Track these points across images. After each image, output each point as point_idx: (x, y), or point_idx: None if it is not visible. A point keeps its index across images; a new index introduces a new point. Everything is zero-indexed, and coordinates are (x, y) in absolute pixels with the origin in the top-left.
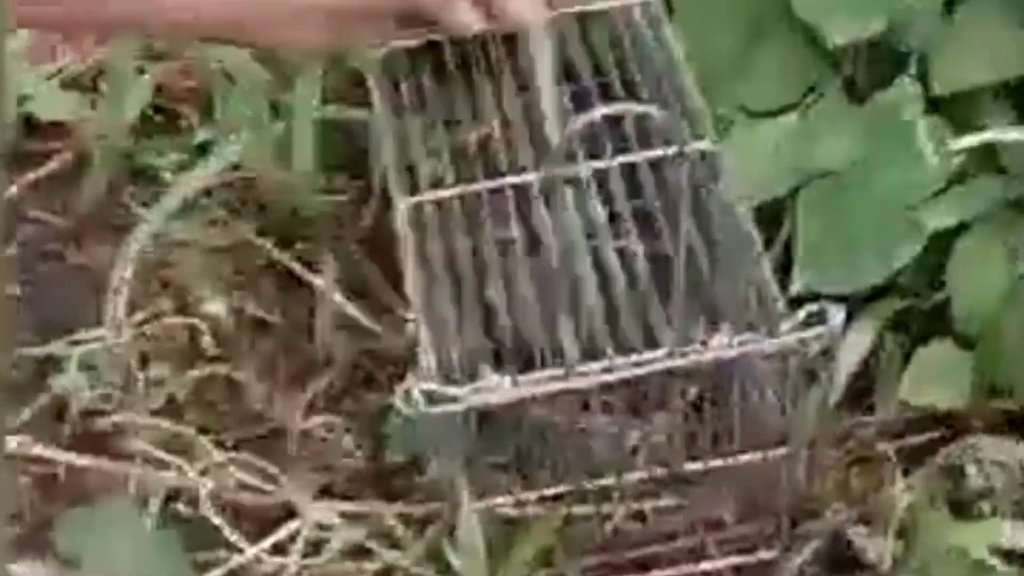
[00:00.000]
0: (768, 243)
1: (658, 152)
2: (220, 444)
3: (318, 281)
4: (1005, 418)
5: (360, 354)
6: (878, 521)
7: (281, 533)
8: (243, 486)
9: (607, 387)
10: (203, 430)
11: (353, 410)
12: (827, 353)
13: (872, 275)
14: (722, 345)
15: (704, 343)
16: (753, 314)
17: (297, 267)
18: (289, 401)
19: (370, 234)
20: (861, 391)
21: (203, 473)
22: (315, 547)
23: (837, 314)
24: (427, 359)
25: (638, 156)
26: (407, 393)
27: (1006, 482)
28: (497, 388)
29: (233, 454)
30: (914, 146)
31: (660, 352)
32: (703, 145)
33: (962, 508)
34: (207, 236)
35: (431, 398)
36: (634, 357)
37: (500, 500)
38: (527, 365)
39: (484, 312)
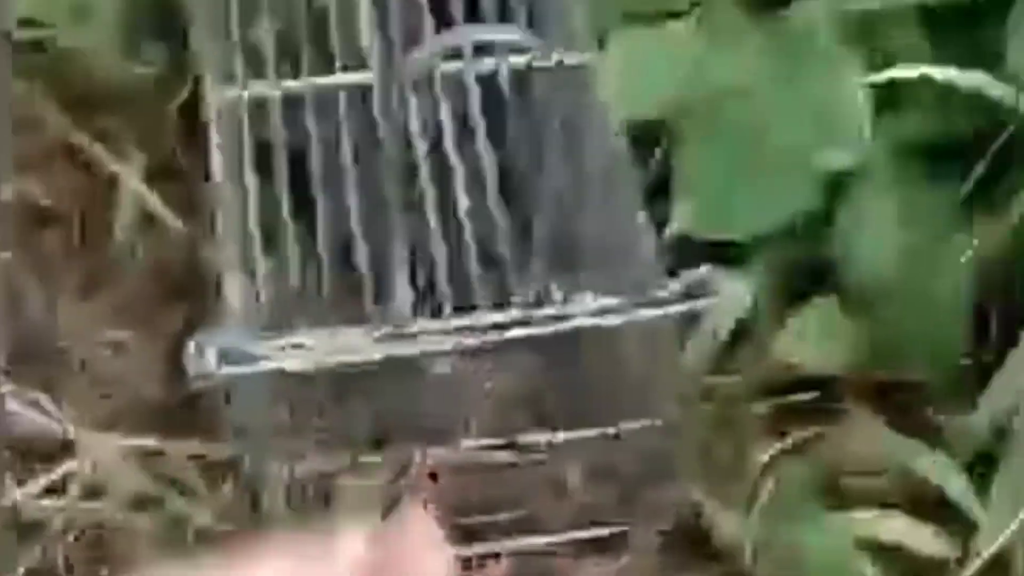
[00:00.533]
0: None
1: (522, 59)
2: None
3: (120, 168)
4: (875, 388)
5: (164, 260)
6: (737, 495)
7: (54, 474)
8: (12, 414)
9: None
10: None
11: (150, 326)
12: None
13: (761, 221)
14: (586, 312)
15: (564, 308)
16: (624, 270)
17: (97, 149)
18: (74, 311)
19: (185, 115)
20: (729, 346)
21: None
22: (94, 491)
23: (725, 284)
24: (229, 302)
25: (499, 61)
26: (198, 347)
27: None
28: (312, 350)
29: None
30: (824, 76)
31: (512, 314)
32: (577, 58)
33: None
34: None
35: (228, 357)
36: (480, 319)
37: (312, 467)
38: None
39: (305, 240)
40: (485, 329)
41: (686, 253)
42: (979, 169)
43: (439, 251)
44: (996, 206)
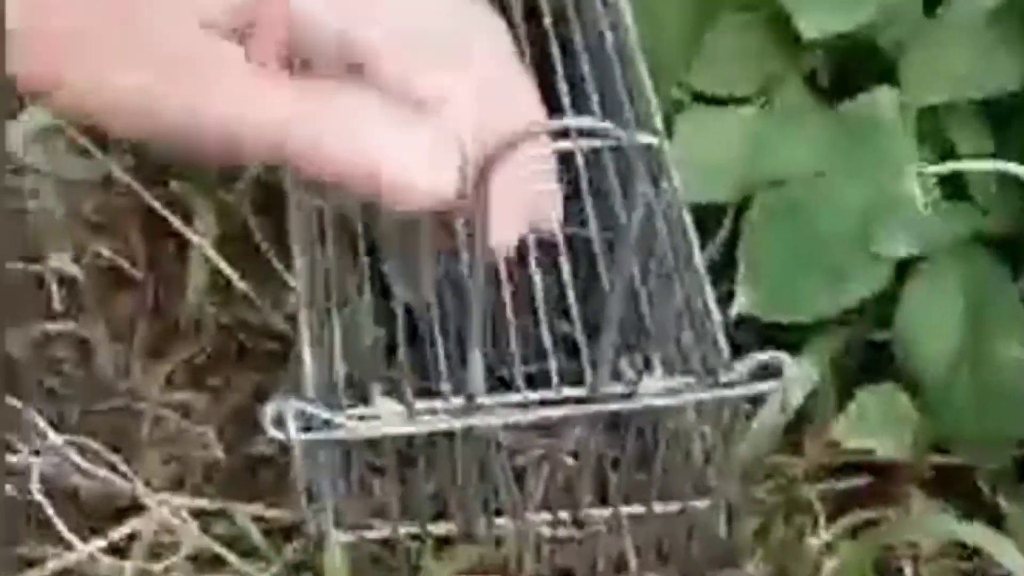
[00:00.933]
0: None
1: (596, 142)
2: (61, 417)
3: (192, 233)
4: (936, 474)
5: (235, 323)
6: None
7: (121, 530)
8: (81, 471)
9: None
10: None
11: (219, 388)
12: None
13: (823, 305)
14: (655, 391)
15: (634, 387)
16: (691, 352)
17: (168, 213)
18: (146, 372)
19: (259, 182)
20: (788, 428)
21: (37, 453)
22: (159, 550)
23: (791, 366)
24: (307, 369)
25: (574, 143)
26: (277, 412)
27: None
28: (389, 419)
29: (69, 436)
30: (888, 164)
31: (583, 391)
32: (648, 139)
33: (883, 567)
34: (65, 166)
35: (307, 422)
36: (551, 394)
37: (374, 535)
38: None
39: (383, 313)
40: (556, 403)
41: (747, 335)
42: None
43: (513, 326)
44: None
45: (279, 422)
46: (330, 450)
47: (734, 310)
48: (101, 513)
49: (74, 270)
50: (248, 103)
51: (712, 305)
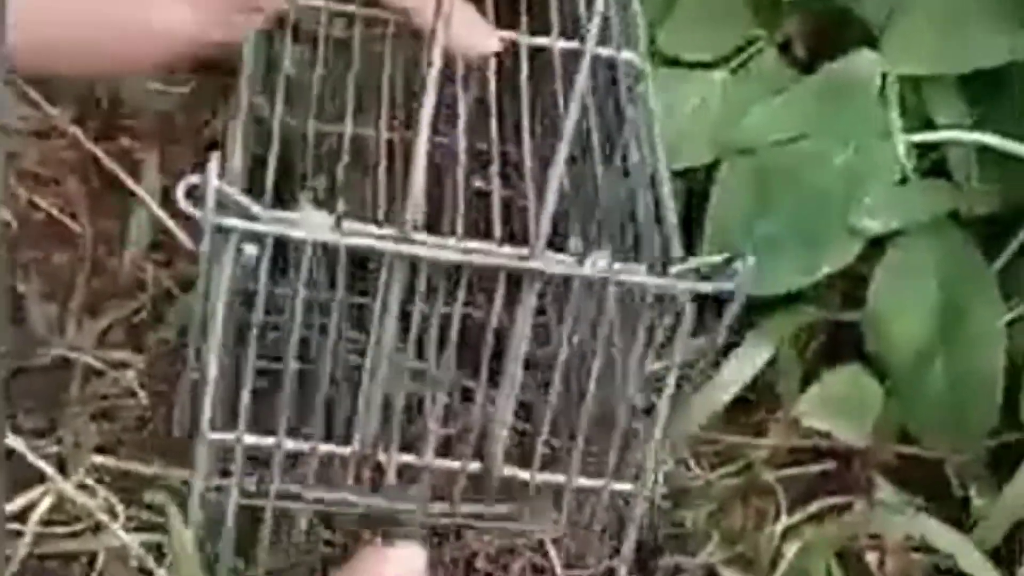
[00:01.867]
0: None
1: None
2: None
3: (138, 187)
4: (903, 463)
5: (176, 282)
6: (756, 565)
7: (31, 495)
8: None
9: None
10: None
11: (154, 349)
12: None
13: (791, 279)
14: (599, 267)
15: (579, 258)
16: (645, 247)
17: (115, 167)
18: (81, 329)
19: (209, 143)
20: (750, 409)
21: None
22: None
23: (747, 270)
24: (235, 163)
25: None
26: (193, 187)
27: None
28: (312, 226)
29: None
30: (866, 131)
31: (522, 251)
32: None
33: (847, 557)
34: (10, 115)
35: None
36: (490, 246)
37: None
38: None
39: None
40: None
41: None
42: (1016, 241)
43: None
44: None
45: (195, 199)
46: (239, 259)
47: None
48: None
49: (7, 217)
50: None
51: (671, 212)
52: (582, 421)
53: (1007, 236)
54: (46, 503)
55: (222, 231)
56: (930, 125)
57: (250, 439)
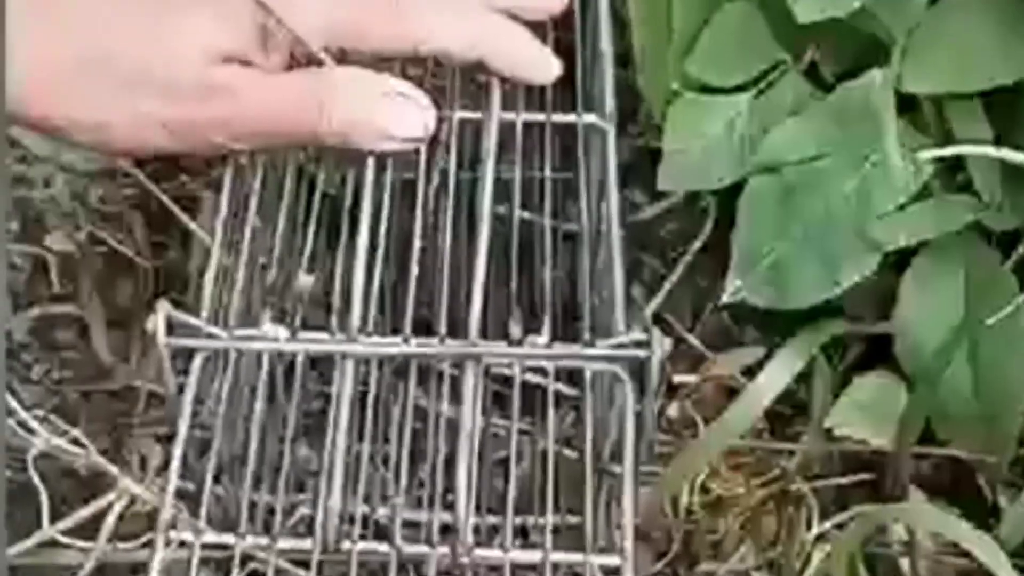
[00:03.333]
0: (688, 238)
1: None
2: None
3: (192, 223)
4: (936, 473)
5: None
6: (786, 569)
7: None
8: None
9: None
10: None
11: None
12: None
13: (815, 293)
14: (537, 346)
15: (517, 345)
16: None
17: (172, 205)
18: (145, 356)
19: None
20: (785, 420)
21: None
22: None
23: (660, 342)
24: (205, 294)
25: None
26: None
27: (931, 539)
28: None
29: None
30: (880, 150)
31: (462, 342)
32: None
33: (879, 563)
34: (72, 156)
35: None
36: (433, 341)
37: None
38: None
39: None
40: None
41: (739, 320)
42: None
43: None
44: None
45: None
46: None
47: (725, 296)
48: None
49: (71, 249)
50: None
51: (619, 281)
52: (548, 495)
53: None
54: (117, 508)
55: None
56: (952, 141)
57: (210, 537)
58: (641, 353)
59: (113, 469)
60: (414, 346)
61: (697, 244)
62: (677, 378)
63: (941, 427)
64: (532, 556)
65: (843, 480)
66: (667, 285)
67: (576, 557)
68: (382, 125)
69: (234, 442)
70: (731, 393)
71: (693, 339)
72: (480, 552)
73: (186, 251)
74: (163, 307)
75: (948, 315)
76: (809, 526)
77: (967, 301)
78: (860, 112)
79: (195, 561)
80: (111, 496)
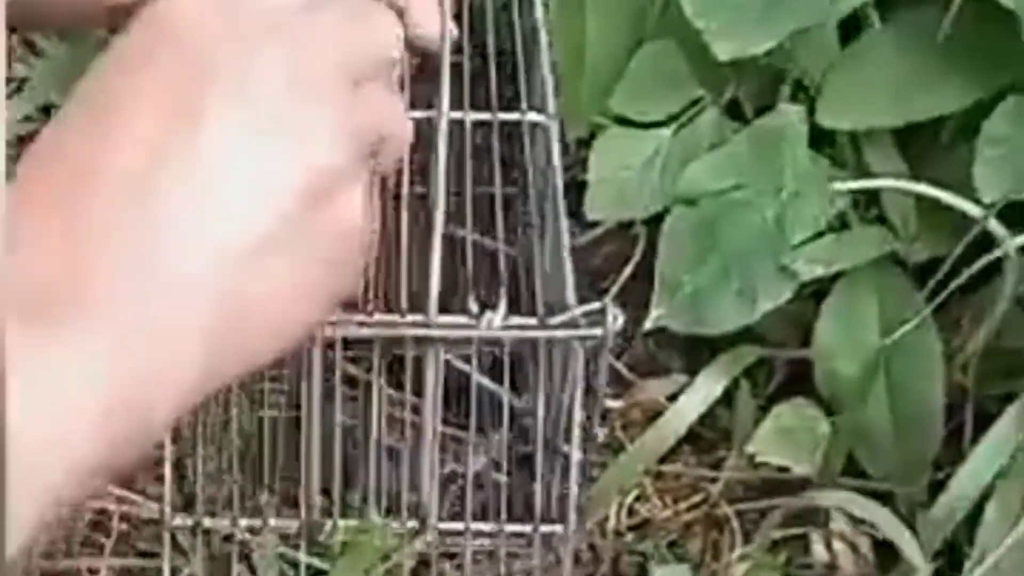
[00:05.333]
0: (622, 263)
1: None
2: None
3: None
4: (858, 493)
5: None
6: None
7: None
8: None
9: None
10: None
11: None
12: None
13: (734, 319)
14: (492, 324)
15: (475, 319)
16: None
17: None
18: None
19: None
20: (711, 444)
21: None
22: None
23: (614, 315)
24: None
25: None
26: None
27: (854, 562)
28: None
29: None
30: (792, 182)
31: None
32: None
33: None
34: None
35: None
36: (395, 317)
37: None
38: None
39: None
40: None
41: (667, 347)
42: (955, 283)
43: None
44: (972, 317)
45: None
46: None
47: (648, 323)
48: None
49: None
50: None
51: (567, 263)
52: (503, 467)
53: (945, 278)
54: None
55: None
56: (867, 175)
57: (208, 522)
58: (596, 330)
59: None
60: (376, 326)
61: (627, 272)
62: (605, 403)
63: (860, 452)
64: (487, 526)
65: (766, 503)
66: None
67: (525, 528)
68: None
69: (217, 436)
70: (657, 418)
71: (620, 365)
72: (444, 526)
73: None
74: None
75: (864, 343)
76: (732, 548)
77: (882, 330)
78: (775, 146)
79: (199, 547)
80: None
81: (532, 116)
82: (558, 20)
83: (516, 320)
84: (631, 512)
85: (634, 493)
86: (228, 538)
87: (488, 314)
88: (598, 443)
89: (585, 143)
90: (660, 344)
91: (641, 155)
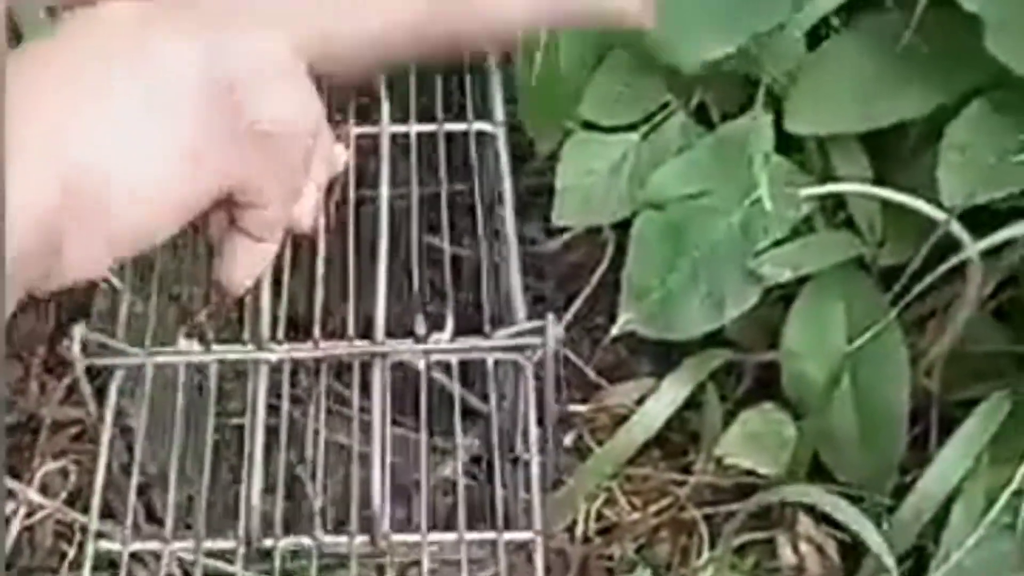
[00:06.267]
0: (588, 271)
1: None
2: None
3: None
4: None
5: None
6: None
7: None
8: None
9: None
10: None
11: None
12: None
13: (702, 324)
14: (441, 346)
15: (423, 341)
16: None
17: None
18: (46, 388)
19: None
20: (677, 449)
21: None
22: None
23: (554, 328)
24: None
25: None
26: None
27: (820, 564)
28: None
29: None
30: (758, 187)
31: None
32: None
33: None
34: None
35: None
36: (343, 343)
37: None
38: None
39: None
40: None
41: (638, 351)
42: (919, 287)
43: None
44: (936, 321)
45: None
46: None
47: (616, 328)
48: None
49: None
50: None
51: (515, 276)
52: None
53: (910, 282)
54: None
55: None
56: (833, 179)
57: (136, 545)
58: (535, 340)
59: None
60: (323, 349)
61: (595, 278)
62: (573, 407)
63: (827, 456)
64: (447, 536)
65: (734, 507)
66: (567, 317)
67: (489, 535)
68: None
69: (159, 455)
70: (625, 422)
71: (589, 370)
72: (397, 537)
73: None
74: (79, 329)
75: (831, 347)
76: (700, 552)
77: (848, 333)
78: (740, 150)
79: (123, 570)
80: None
81: (479, 125)
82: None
83: (461, 341)
84: (599, 516)
85: (603, 497)
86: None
87: (435, 335)
88: (563, 448)
89: (555, 150)
90: (628, 348)
91: (608, 160)
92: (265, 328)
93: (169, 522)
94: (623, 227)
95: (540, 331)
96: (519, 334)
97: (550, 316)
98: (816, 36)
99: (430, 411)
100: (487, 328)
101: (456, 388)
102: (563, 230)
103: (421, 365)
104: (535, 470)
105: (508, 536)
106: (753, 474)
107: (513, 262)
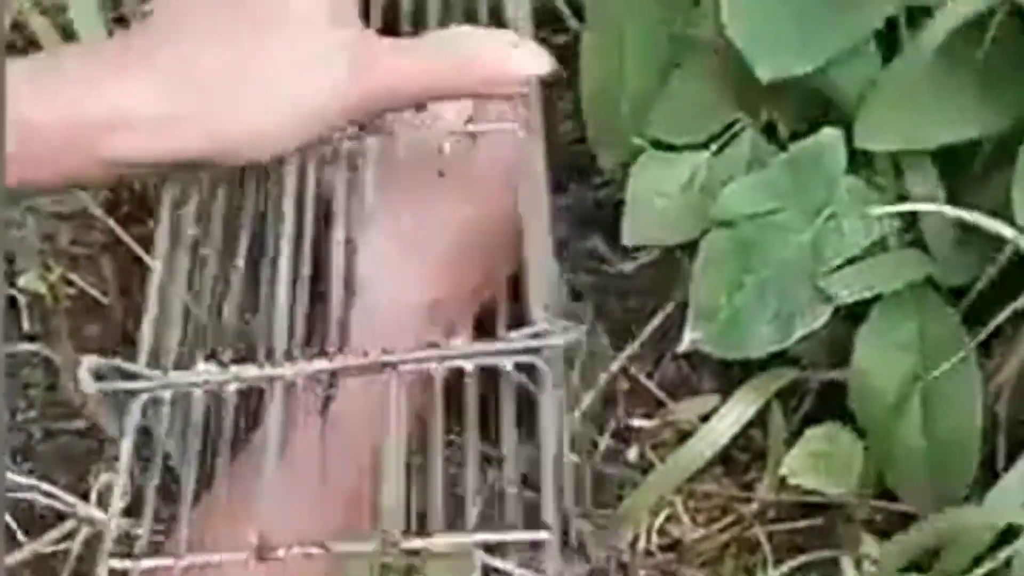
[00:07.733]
0: (659, 290)
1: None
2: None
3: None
4: (886, 515)
5: None
6: None
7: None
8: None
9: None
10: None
11: None
12: None
13: (769, 344)
14: (456, 349)
15: (438, 348)
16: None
17: (139, 248)
18: None
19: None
20: (741, 467)
21: None
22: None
23: (559, 336)
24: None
25: None
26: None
27: None
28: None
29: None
30: (830, 205)
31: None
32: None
33: None
34: (46, 200)
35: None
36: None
37: None
38: None
39: None
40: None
41: (698, 367)
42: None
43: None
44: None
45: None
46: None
47: (682, 346)
48: None
49: (42, 290)
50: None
51: (535, 271)
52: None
53: (984, 303)
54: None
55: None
56: (906, 198)
57: (147, 563)
58: (536, 342)
59: (70, 498)
60: (338, 362)
61: (672, 299)
62: (636, 422)
63: (892, 478)
64: (457, 538)
65: (798, 524)
66: (640, 337)
67: (504, 536)
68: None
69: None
70: (688, 439)
71: (651, 385)
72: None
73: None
74: (88, 360)
75: (902, 367)
76: (765, 571)
77: (921, 354)
78: (813, 168)
79: None
80: (69, 525)
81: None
82: (595, 43)
83: (476, 346)
84: (662, 532)
85: (664, 513)
86: None
87: (451, 341)
88: (624, 462)
89: (619, 164)
90: (692, 364)
91: (679, 179)
92: (279, 345)
93: (183, 534)
94: (692, 247)
95: (550, 333)
96: (536, 335)
97: (544, 322)
98: (889, 50)
99: (447, 415)
100: (502, 331)
101: (473, 393)
102: (636, 249)
103: (437, 371)
104: (547, 470)
105: (524, 536)
106: (817, 492)
107: (534, 260)
